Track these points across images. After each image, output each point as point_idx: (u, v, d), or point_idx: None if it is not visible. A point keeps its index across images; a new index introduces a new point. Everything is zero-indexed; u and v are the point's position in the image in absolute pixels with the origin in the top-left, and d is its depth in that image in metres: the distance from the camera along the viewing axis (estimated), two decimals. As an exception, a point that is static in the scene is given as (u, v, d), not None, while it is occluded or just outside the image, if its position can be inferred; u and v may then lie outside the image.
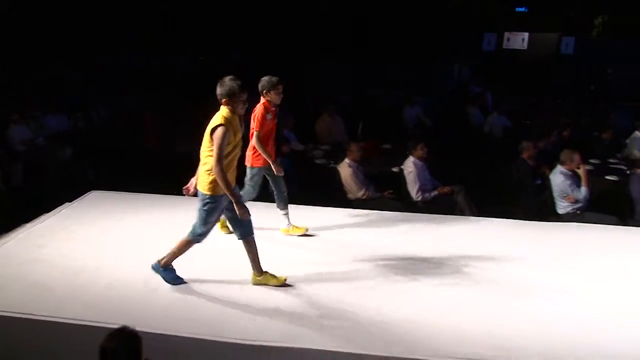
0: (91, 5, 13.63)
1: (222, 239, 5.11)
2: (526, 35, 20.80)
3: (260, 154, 5.19)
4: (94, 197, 6.53)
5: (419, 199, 6.99)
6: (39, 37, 12.61)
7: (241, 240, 4.42)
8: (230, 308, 4.13)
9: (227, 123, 4.11)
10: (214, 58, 15.90)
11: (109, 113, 10.81)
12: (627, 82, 18.93)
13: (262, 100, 5.17)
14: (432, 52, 17.73)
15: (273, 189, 5.42)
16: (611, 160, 8.73)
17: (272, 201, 5.57)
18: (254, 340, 3.66)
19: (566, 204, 6.80)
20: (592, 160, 8.64)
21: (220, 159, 4.06)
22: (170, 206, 6.26)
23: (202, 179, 4.24)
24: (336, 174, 7.07)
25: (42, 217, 5.82)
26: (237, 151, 4.35)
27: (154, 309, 4.07)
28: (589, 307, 4.24)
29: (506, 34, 20.69)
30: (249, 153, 5.22)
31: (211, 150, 4.11)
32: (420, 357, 3.50)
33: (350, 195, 7.00)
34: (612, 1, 21.14)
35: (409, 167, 7.05)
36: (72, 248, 5.06)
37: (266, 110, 5.15)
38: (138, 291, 4.32)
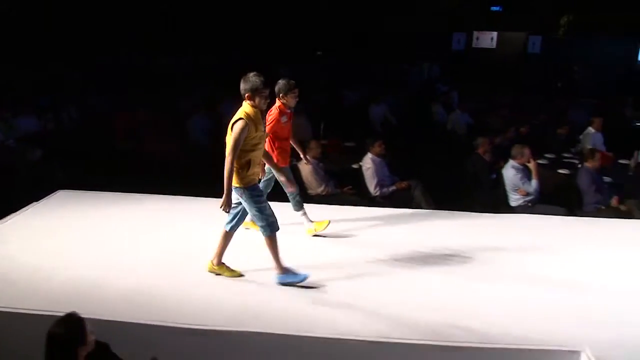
0: (60, 7, 13.71)
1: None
2: (495, 34, 21.22)
3: (277, 155, 5.31)
4: (60, 196, 6.69)
5: (377, 193, 7.25)
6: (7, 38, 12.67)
7: (224, 230, 4.56)
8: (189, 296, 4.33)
9: (247, 117, 4.24)
10: (187, 59, 16.09)
11: (80, 114, 10.89)
12: (592, 79, 19.43)
13: (278, 103, 5.30)
14: (402, 52, 18.11)
15: (287, 192, 5.49)
16: (565, 155, 9.08)
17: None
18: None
19: (518, 196, 7.12)
20: (547, 155, 9.02)
21: (233, 150, 4.19)
22: (135, 204, 6.46)
23: (234, 175, 4.33)
24: (297, 171, 7.30)
25: (9, 216, 5.97)
26: (262, 145, 4.50)
27: (110, 298, 4.25)
28: (548, 291, 4.52)
29: (475, 33, 21.10)
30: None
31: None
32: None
33: (311, 191, 7.24)
34: (577, 1, 21.67)
35: (367, 163, 7.31)
36: (36, 244, 5.22)
37: (281, 113, 5.31)
38: (94, 283, 4.49)
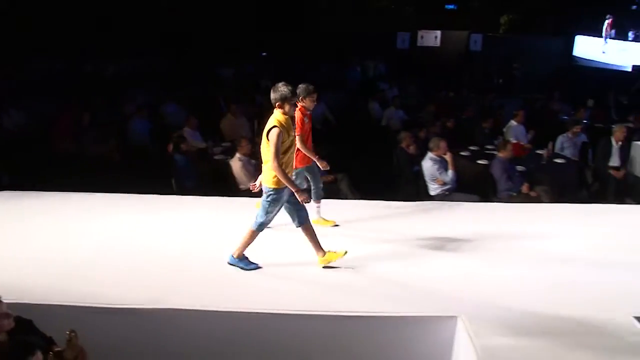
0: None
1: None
2: (439, 33, 21.88)
3: (301, 156, 5.66)
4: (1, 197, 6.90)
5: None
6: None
7: (300, 228, 4.92)
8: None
9: (280, 125, 4.60)
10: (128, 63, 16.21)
11: (22, 116, 10.98)
12: (531, 75, 20.21)
13: (298, 105, 5.60)
14: (346, 51, 18.62)
15: (311, 184, 5.94)
16: (488, 147, 9.62)
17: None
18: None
19: (436, 186, 7.63)
20: (471, 147, 9.55)
21: (276, 156, 4.58)
22: (72, 202, 6.70)
23: (266, 175, 4.76)
24: (228, 167, 7.66)
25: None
26: (294, 148, 4.92)
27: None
28: (436, 267, 5.00)
29: (420, 32, 21.71)
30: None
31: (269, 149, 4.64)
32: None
33: (242, 186, 7.60)
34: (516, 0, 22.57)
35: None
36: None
37: (303, 114, 5.69)
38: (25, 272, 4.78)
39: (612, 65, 19.13)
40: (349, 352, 4.17)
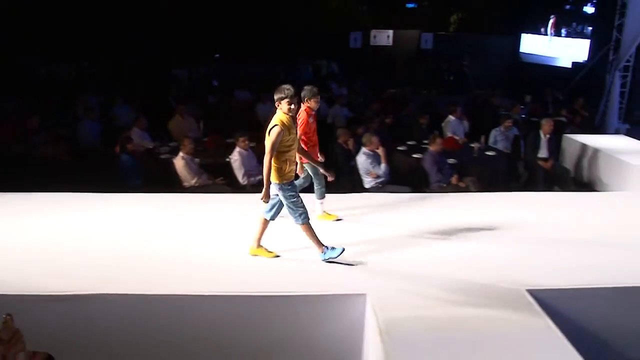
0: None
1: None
2: (391, 32, 22.45)
3: (310, 151, 5.94)
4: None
5: (245, 182, 8.04)
6: None
7: (264, 218, 5.20)
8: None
9: (281, 124, 4.84)
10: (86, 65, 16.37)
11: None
12: (480, 72, 20.90)
13: (303, 107, 5.95)
14: (299, 51, 19.06)
15: (314, 181, 6.18)
16: (425, 142, 10.10)
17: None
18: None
19: (370, 179, 8.07)
20: (409, 142, 10.04)
21: (270, 152, 4.83)
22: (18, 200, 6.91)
23: (273, 173, 4.96)
24: (171, 166, 7.98)
25: None
26: (295, 145, 5.11)
27: None
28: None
29: (373, 32, 22.26)
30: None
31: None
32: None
33: (185, 184, 7.95)
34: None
35: (235, 156, 8.11)
36: None
37: (308, 114, 6.01)
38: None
39: (555, 60, 19.97)
40: (268, 330, 4.56)
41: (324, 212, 6.38)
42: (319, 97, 6.19)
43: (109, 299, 4.50)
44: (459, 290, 4.67)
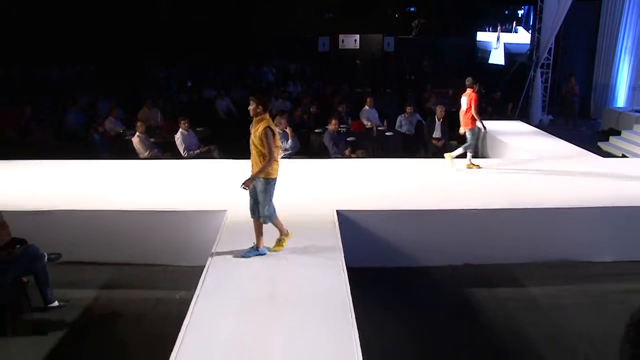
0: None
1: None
2: (358, 36, 24.90)
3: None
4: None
5: (185, 154, 10.55)
6: None
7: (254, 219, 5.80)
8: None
9: (272, 126, 5.45)
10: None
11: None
12: (439, 71, 23.29)
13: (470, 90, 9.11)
14: (268, 54, 21.65)
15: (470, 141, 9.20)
16: (342, 125, 12.54)
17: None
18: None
19: (280, 151, 10.48)
20: (330, 128, 12.45)
21: (271, 151, 5.37)
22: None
23: (256, 169, 5.46)
24: (129, 143, 10.53)
25: None
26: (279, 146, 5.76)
27: None
28: None
29: (340, 36, 24.72)
30: None
31: (262, 147, 5.36)
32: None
33: (141, 156, 10.46)
34: (425, 7, 25.67)
35: (178, 135, 10.63)
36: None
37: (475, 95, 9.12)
38: None
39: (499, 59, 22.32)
40: (152, 242, 7.00)
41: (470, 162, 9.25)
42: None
43: (69, 214, 7.03)
44: (288, 205, 7.07)
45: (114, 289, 6.74)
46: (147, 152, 10.48)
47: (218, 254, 5.85)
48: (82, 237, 7.04)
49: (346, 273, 5.42)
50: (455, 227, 7.30)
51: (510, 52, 21.69)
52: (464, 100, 9.18)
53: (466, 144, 9.26)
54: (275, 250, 5.90)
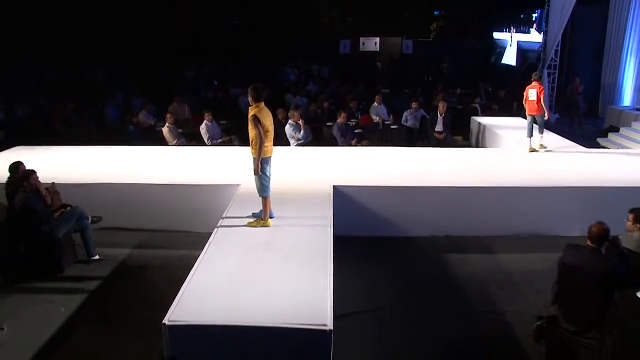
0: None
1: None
2: (378, 39, 26.05)
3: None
4: (19, 149, 11.04)
5: (209, 143, 11.86)
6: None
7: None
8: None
9: (260, 113, 6.18)
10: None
11: (27, 108, 15.27)
12: (457, 72, 24.30)
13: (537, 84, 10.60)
14: (294, 56, 22.99)
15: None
16: (352, 120, 13.72)
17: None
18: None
19: (293, 141, 11.76)
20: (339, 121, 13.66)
21: (261, 134, 6.18)
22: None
23: (252, 150, 6.32)
24: (160, 133, 11.89)
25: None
26: (271, 131, 6.41)
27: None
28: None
29: (362, 39, 25.89)
30: None
31: (254, 132, 6.19)
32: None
33: (170, 144, 11.79)
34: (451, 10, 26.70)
35: (203, 126, 11.95)
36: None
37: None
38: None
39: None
40: (176, 211, 8.29)
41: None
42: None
43: (108, 186, 8.38)
44: (293, 181, 8.30)
45: (144, 248, 8.07)
46: (175, 141, 11.81)
47: (229, 216, 7.08)
48: (118, 206, 8.36)
49: (332, 232, 6.59)
50: (438, 203, 8.43)
51: (522, 49, 22.61)
52: (533, 92, 10.57)
53: (539, 128, 10.78)
54: (250, 225, 6.71)
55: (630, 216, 5.99)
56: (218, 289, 5.11)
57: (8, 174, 7.50)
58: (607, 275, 5.06)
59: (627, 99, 18.95)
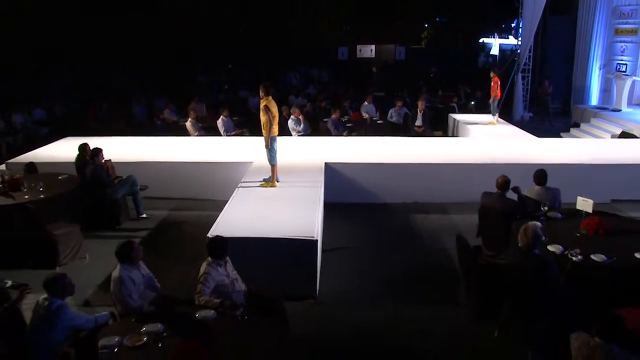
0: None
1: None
2: (373, 46, 28.38)
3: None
4: (68, 139, 13.41)
5: (225, 135, 14.23)
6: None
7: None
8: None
9: (269, 104, 8.47)
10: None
11: (63, 109, 17.74)
12: (445, 77, 26.55)
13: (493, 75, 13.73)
14: (296, 62, 25.43)
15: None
16: (345, 117, 16.07)
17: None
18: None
19: (294, 133, 14.12)
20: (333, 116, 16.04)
21: (270, 119, 8.52)
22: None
23: (265, 132, 8.64)
24: (184, 126, 14.28)
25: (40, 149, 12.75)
26: (277, 116, 8.67)
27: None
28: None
29: (358, 46, 28.24)
30: None
31: (265, 117, 8.52)
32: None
33: (192, 136, 14.16)
34: (433, 20, 29.05)
35: (219, 121, 14.33)
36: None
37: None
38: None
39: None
40: (202, 183, 10.67)
41: None
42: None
43: (149, 164, 10.74)
44: (293, 160, 10.64)
45: (179, 210, 10.45)
46: (196, 133, 14.18)
47: (246, 181, 9.47)
48: (157, 180, 10.71)
49: (322, 191, 8.96)
50: (408, 176, 10.76)
51: (503, 49, 25.00)
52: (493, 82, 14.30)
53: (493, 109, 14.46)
54: (262, 186, 9.11)
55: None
56: (240, 218, 7.51)
57: (77, 152, 9.88)
58: (509, 212, 7.40)
59: (594, 99, 21.23)
